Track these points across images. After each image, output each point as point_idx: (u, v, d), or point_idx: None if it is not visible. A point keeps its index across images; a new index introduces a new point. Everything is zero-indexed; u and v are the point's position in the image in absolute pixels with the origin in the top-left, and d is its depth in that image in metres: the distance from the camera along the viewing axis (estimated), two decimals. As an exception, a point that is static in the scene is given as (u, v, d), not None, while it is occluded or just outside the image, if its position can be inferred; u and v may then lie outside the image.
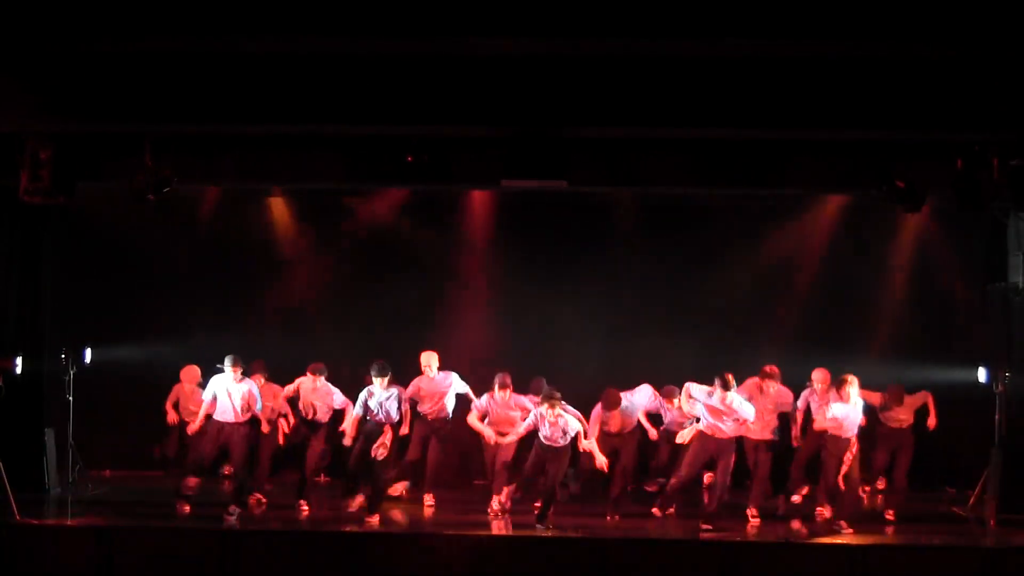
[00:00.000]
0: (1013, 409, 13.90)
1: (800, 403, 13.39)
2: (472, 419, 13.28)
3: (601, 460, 12.51)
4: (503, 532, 12.41)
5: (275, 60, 10.16)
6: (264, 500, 13.51)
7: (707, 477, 13.55)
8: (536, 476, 12.69)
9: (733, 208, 15.58)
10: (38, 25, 8.86)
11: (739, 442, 12.85)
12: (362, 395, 12.94)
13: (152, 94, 10.39)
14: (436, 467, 13.70)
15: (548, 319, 15.72)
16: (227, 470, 13.95)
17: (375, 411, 12.89)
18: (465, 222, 15.92)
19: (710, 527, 12.26)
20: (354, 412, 12.92)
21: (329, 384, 13.32)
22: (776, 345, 15.48)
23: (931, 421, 13.49)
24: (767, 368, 13.13)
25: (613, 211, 15.76)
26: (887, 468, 13.54)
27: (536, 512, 12.48)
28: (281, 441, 13.93)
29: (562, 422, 12.36)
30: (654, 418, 13.61)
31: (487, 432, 13.08)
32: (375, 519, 12.53)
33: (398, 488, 13.72)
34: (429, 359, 13.57)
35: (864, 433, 12.93)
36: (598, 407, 12.96)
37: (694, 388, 12.49)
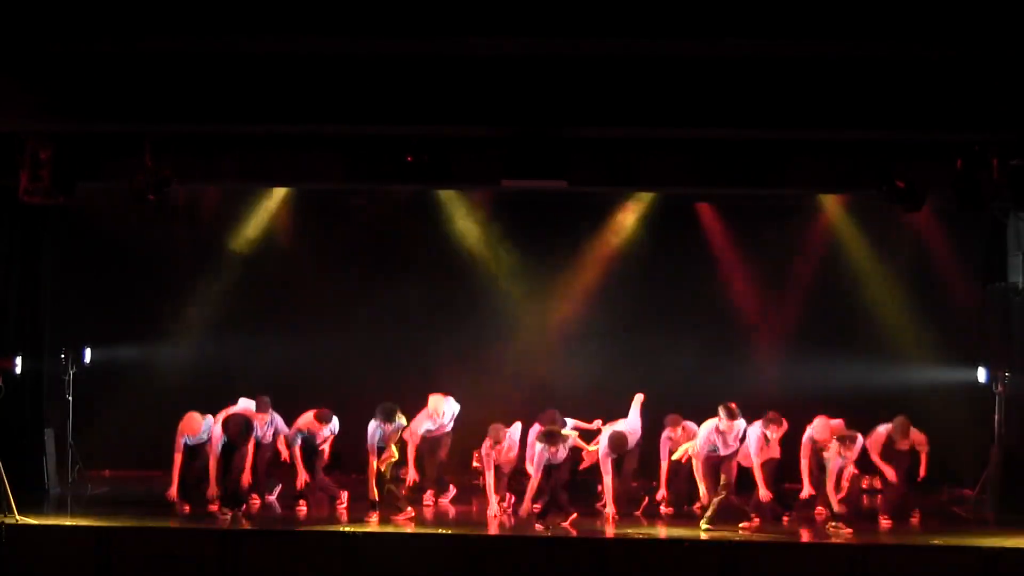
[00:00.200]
0: (1013, 409, 13.91)
1: (804, 455, 12.90)
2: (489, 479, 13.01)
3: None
4: (503, 532, 12.41)
5: (275, 60, 10.16)
6: (260, 501, 13.54)
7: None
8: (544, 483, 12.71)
9: (733, 208, 15.59)
10: (38, 25, 8.86)
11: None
12: (373, 429, 12.82)
13: (152, 94, 10.38)
14: (437, 467, 13.71)
15: (549, 319, 15.73)
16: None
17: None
18: (466, 222, 15.94)
19: (710, 527, 12.27)
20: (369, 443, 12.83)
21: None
22: (776, 345, 15.52)
23: (922, 470, 13.17)
24: (771, 414, 12.86)
25: (613, 211, 15.77)
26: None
27: (537, 511, 12.49)
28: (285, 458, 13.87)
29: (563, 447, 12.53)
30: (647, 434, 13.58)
31: (492, 506, 12.89)
32: (375, 519, 12.54)
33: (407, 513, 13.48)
34: (438, 404, 13.41)
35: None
36: (605, 448, 12.85)
37: (700, 430, 12.60)
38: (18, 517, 12.00)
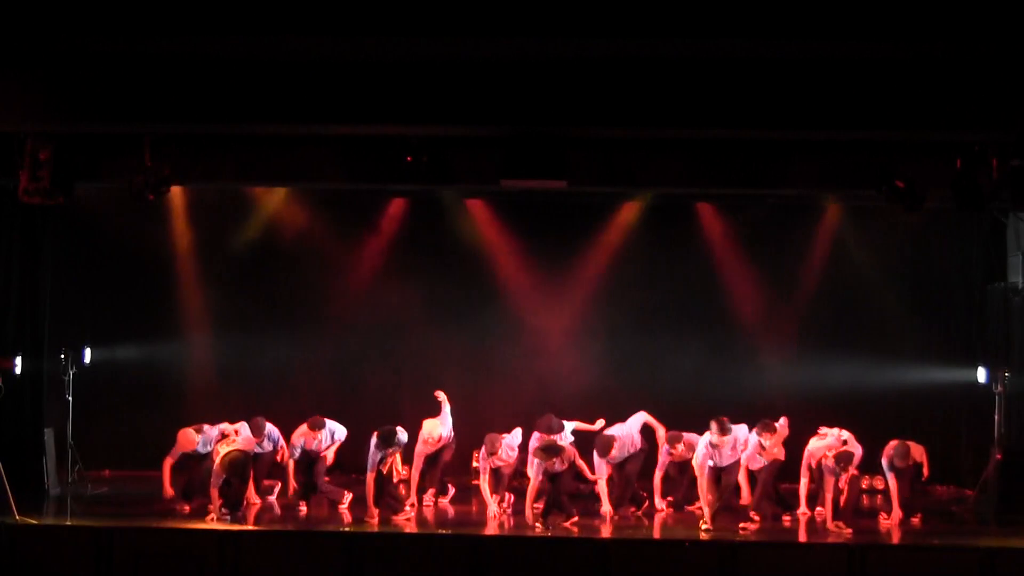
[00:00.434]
0: (1013, 409, 13.91)
1: (803, 474, 12.99)
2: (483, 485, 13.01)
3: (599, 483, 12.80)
4: (503, 532, 12.41)
5: (275, 60, 10.15)
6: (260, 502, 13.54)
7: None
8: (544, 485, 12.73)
9: (734, 209, 15.59)
10: (38, 25, 8.85)
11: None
12: (373, 452, 12.82)
13: (151, 94, 10.37)
14: (437, 468, 13.71)
15: (549, 319, 15.73)
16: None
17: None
18: (467, 223, 15.94)
19: (710, 527, 12.28)
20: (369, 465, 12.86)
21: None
22: (776, 346, 15.51)
23: (924, 472, 13.12)
24: (765, 422, 12.80)
25: (613, 211, 15.77)
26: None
27: (538, 511, 12.51)
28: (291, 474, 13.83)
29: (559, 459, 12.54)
30: (648, 434, 13.56)
31: (491, 508, 12.91)
32: (375, 519, 12.54)
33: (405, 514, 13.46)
34: (432, 430, 13.34)
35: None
36: (597, 458, 12.90)
37: (699, 444, 12.59)
38: (18, 517, 12.01)
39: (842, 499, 12.62)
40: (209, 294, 15.80)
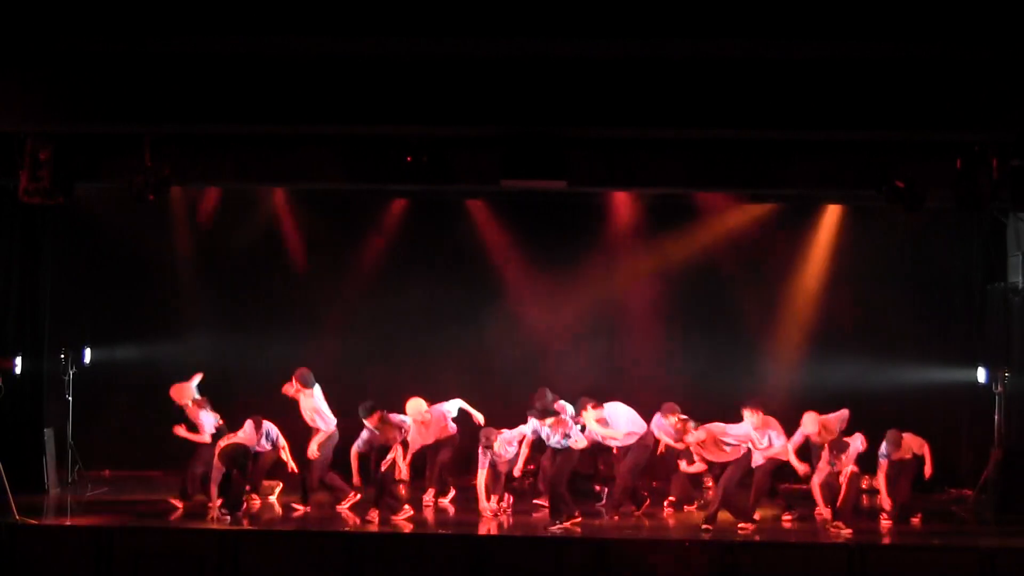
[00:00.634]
0: (1013, 409, 13.91)
1: (793, 450, 12.89)
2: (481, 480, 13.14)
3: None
4: (503, 532, 12.41)
5: (275, 60, 10.15)
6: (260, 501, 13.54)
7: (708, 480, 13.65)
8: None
9: (734, 209, 15.59)
10: (38, 25, 8.85)
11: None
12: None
13: (151, 94, 10.36)
14: (438, 467, 13.72)
15: (549, 320, 15.73)
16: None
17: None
18: (467, 223, 15.93)
19: (710, 527, 12.28)
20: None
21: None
22: (776, 345, 15.51)
23: (927, 470, 12.96)
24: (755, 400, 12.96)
25: (613, 211, 15.77)
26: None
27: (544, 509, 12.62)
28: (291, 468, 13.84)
29: (560, 432, 12.61)
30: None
31: (483, 504, 12.99)
32: (375, 519, 12.54)
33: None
34: (418, 407, 13.42)
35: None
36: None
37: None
38: (18, 517, 12.01)
39: (840, 498, 12.61)
40: (209, 294, 15.80)
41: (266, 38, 9.07)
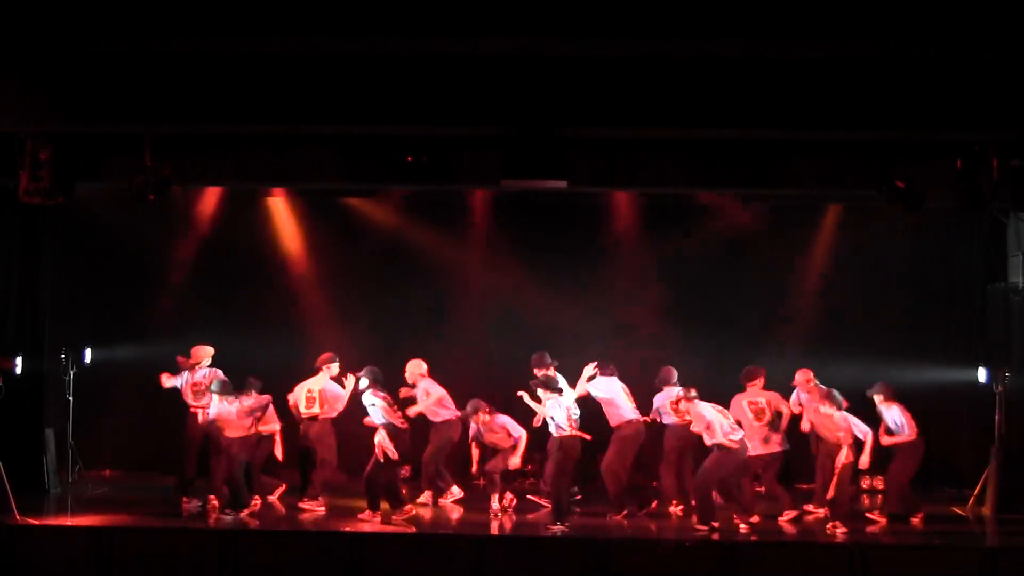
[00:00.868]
0: (1013, 409, 13.91)
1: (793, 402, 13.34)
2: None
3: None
4: (503, 532, 12.42)
5: (275, 60, 10.14)
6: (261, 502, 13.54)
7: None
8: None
9: (734, 209, 15.59)
10: (38, 25, 8.85)
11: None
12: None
13: (152, 94, 10.37)
14: (437, 463, 13.73)
15: (550, 320, 15.72)
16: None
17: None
18: (468, 223, 15.92)
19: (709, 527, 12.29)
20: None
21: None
22: (776, 346, 15.49)
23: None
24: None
25: (614, 211, 15.77)
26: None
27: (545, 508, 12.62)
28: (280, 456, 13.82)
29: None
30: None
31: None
32: (376, 519, 12.54)
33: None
34: (415, 369, 13.80)
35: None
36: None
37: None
38: (18, 517, 12.01)
39: (831, 489, 12.45)
40: (209, 294, 15.79)
41: (266, 38, 9.08)
